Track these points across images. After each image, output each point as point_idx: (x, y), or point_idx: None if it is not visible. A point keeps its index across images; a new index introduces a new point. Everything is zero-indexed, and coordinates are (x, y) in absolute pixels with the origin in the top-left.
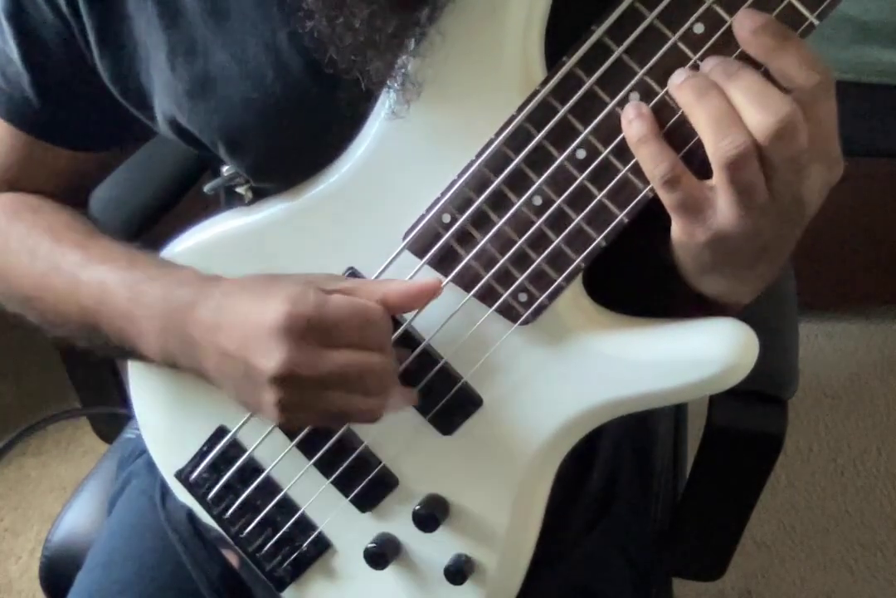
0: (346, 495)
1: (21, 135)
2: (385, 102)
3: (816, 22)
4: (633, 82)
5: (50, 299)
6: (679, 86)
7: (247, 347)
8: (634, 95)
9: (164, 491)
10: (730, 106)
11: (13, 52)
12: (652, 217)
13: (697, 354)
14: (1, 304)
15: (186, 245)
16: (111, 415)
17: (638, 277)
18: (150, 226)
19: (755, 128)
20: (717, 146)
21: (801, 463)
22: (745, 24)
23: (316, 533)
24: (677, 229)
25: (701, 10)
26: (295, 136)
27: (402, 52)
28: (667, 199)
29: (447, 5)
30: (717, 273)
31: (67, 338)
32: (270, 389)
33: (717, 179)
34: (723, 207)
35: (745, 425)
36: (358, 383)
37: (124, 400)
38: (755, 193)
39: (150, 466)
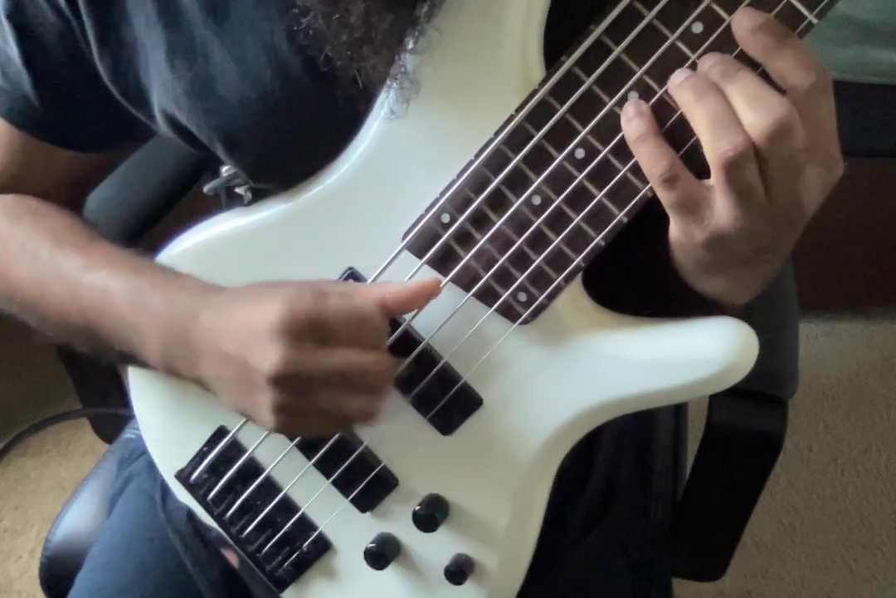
0: (347, 496)
1: (21, 135)
2: (384, 102)
3: (815, 21)
4: (632, 82)
5: (51, 303)
6: (678, 86)
7: (245, 347)
8: (633, 94)
9: (165, 491)
10: (728, 107)
11: (13, 51)
12: (651, 217)
13: (697, 353)
14: (1, 307)
15: (186, 246)
16: (111, 415)
17: (637, 277)
18: (149, 226)
19: (751, 128)
20: (714, 147)
21: (801, 463)
22: (743, 24)
23: (316, 533)
24: (675, 229)
25: (700, 9)
26: (293, 135)
27: (398, 49)
28: (665, 198)
29: (445, 2)
30: (715, 273)
31: (69, 342)
32: (267, 389)
33: (715, 180)
34: (721, 208)
35: (745, 425)
36: (356, 381)
37: (124, 400)
38: (753, 194)
39: (151, 466)
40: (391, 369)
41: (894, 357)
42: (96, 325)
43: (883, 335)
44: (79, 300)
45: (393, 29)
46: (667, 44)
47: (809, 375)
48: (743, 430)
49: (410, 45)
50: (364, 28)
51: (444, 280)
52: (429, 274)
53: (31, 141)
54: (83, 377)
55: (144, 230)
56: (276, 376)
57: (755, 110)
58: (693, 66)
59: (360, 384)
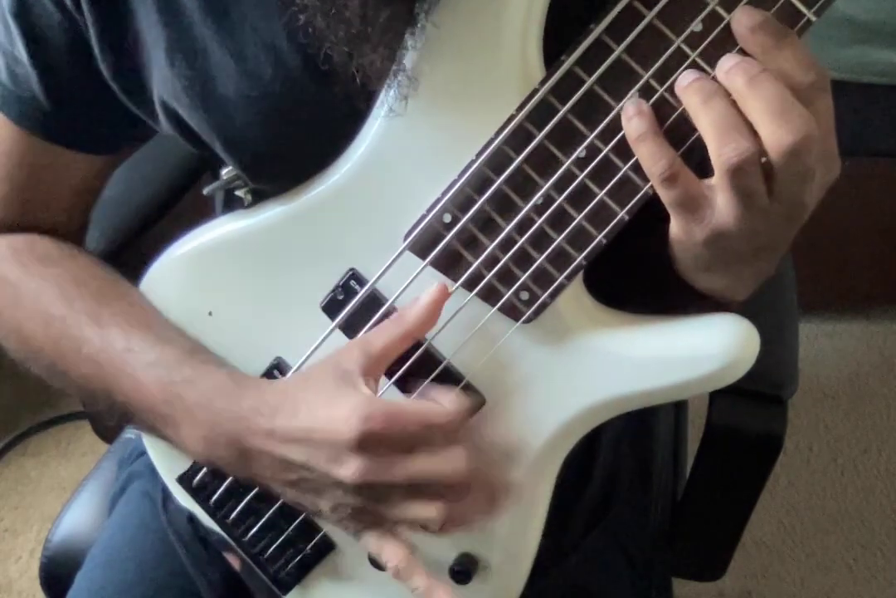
0: None
1: (31, 143)
2: (384, 100)
3: (814, 18)
4: (632, 81)
5: (73, 373)
6: (685, 88)
7: (319, 458)
8: (634, 93)
9: (166, 494)
10: (736, 112)
11: (21, 53)
12: (651, 216)
13: (698, 350)
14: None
15: (186, 249)
16: (113, 405)
17: (637, 275)
18: (149, 226)
19: (769, 140)
20: (720, 152)
21: (801, 463)
22: (743, 22)
23: (320, 535)
24: (676, 227)
25: (700, 8)
26: (294, 134)
27: (396, 45)
28: (665, 196)
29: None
30: (714, 270)
31: (93, 404)
32: (340, 495)
33: (718, 182)
34: (721, 208)
35: (745, 425)
36: (428, 488)
37: None
38: (755, 197)
39: (152, 467)
40: (462, 475)
41: (894, 357)
42: (124, 407)
43: (883, 335)
44: (104, 381)
45: (390, 25)
46: (672, 47)
47: (809, 375)
48: (743, 430)
49: (409, 42)
50: (361, 24)
51: (454, 285)
52: (431, 274)
53: (42, 147)
54: None
55: (144, 231)
56: (354, 485)
57: (779, 125)
58: (693, 65)
59: (432, 492)
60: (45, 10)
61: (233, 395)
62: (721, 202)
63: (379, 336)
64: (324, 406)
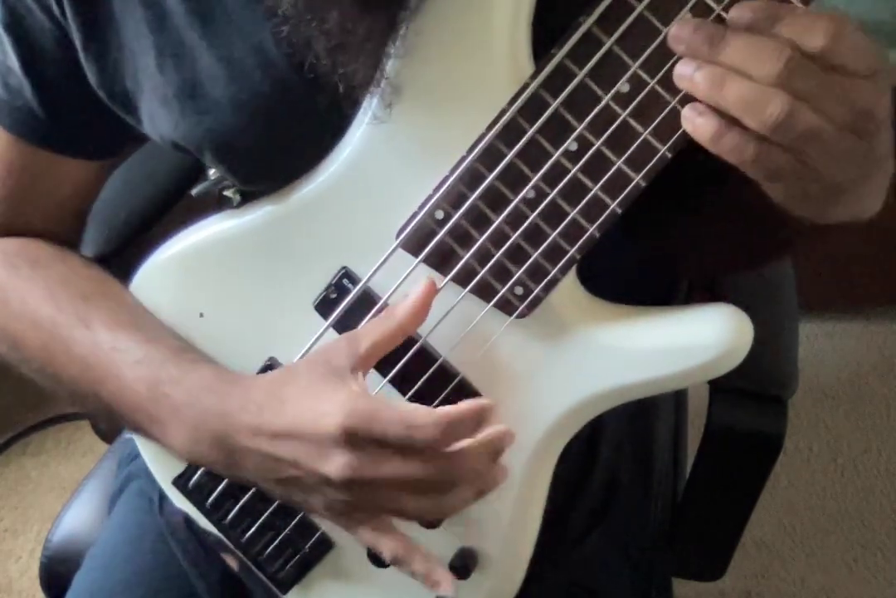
0: None
1: (25, 151)
2: (367, 107)
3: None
4: (624, 72)
5: (62, 375)
6: (692, 80)
7: (306, 454)
8: (625, 86)
9: (162, 495)
10: (750, 82)
11: (13, 61)
12: (646, 205)
13: (692, 340)
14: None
15: (175, 250)
16: (103, 406)
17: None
18: (147, 227)
19: (766, 80)
20: (763, 121)
21: (801, 463)
22: (736, 21)
23: (318, 534)
24: (771, 190)
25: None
26: (284, 137)
27: (378, 54)
28: (756, 175)
29: (422, 6)
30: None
31: (83, 407)
32: (329, 491)
33: (786, 144)
34: (816, 156)
35: (745, 425)
36: (416, 484)
37: None
38: (821, 134)
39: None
40: (451, 470)
41: (894, 357)
42: (110, 407)
43: (883, 335)
44: (91, 382)
45: (369, 35)
46: (662, 37)
47: (809, 375)
48: (743, 430)
49: (391, 50)
50: (340, 34)
51: (445, 280)
52: (425, 272)
53: (36, 155)
54: None
55: (142, 232)
56: (342, 481)
57: (759, 63)
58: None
59: (422, 486)
60: (35, 20)
61: (219, 393)
62: (814, 152)
63: (368, 332)
64: (310, 402)
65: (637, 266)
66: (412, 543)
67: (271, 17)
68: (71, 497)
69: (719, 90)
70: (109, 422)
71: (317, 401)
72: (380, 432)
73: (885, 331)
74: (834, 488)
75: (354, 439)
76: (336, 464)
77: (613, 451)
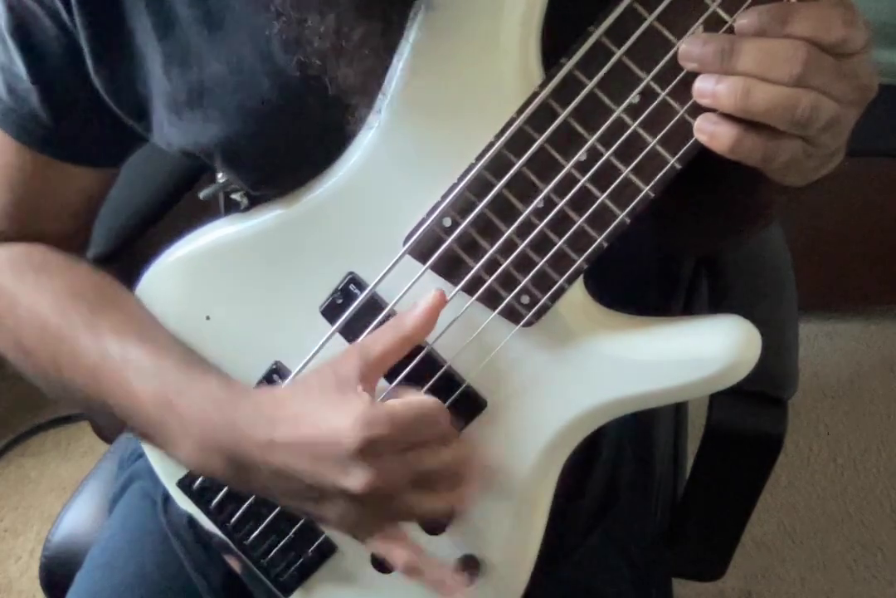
0: None
1: (33, 158)
2: (363, 116)
3: None
4: (634, 84)
5: (70, 384)
6: (714, 94)
7: (324, 468)
8: (636, 97)
9: (166, 496)
10: (775, 86)
11: (20, 68)
12: (653, 216)
13: (699, 352)
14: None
15: (183, 252)
16: (111, 415)
17: (639, 274)
18: (147, 228)
19: (788, 82)
20: (794, 122)
21: (801, 463)
22: (745, 25)
23: (322, 538)
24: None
25: (701, 10)
26: (291, 144)
27: (375, 62)
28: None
29: (430, 13)
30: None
31: (92, 415)
32: (347, 504)
33: (807, 134)
34: (827, 136)
35: (745, 426)
36: (436, 479)
37: None
38: (840, 116)
39: (152, 468)
40: (464, 458)
41: (894, 357)
42: (119, 415)
43: (883, 335)
44: (100, 392)
45: (364, 42)
46: (674, 50)
47: (809, 375)
48: (743, 430)
49: (390, 59)
50: (335, 37)
51: (454, 289)
52: (432, 278)
53: (43, 162)
54: None
55: (143, 232)
56: (360, 494)
57: (777, 71)
58: None
59: (441, 482)
60: (41, 26)
61: (227, 406)
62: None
63: (376, 342)
64: (323, 414)
65: (637, 267)
66: (424, 551)
67: (264, 11)
68: (71, 498)
69: (746, 99)
70: (113, 424)
71: (330, 413)
72: (402, 433)
73: (885, 331)
74: (834, 488)
75: (373, 448)
76: (356, 478)
77: (614, 452)
